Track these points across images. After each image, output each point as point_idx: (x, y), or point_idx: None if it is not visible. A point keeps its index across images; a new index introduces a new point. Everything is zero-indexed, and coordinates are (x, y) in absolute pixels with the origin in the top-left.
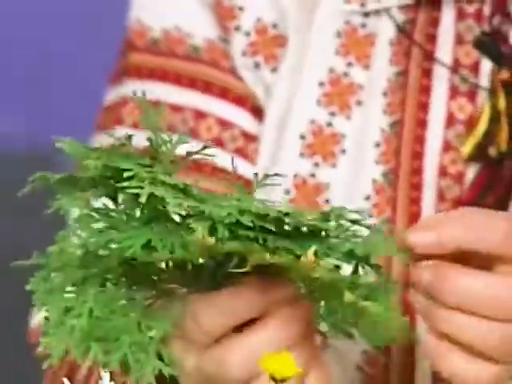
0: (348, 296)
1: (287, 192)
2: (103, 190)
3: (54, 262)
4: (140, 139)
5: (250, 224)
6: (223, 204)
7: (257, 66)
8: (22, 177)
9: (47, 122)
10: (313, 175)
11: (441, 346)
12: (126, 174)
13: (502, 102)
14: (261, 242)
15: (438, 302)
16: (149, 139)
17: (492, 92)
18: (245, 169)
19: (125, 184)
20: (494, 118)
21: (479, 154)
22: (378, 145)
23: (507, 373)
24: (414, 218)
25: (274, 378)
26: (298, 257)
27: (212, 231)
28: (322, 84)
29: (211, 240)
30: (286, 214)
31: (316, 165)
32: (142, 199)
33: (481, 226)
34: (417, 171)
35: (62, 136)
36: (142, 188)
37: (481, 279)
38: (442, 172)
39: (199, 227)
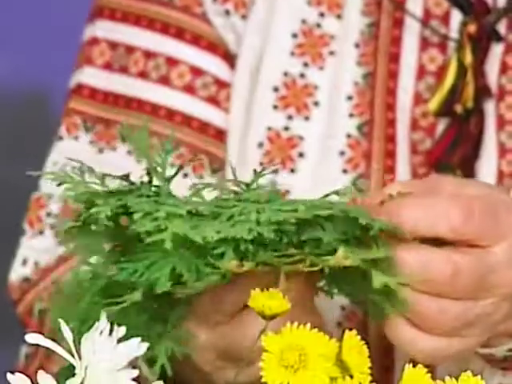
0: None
1: (260, 145)
2: (116, 238)
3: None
4: (112, 82)
5: (272, 235)
6: (240, 219)
7: (227, 13)
8: (18, 121)
9: (43, 66)
10: (286, 128)
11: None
12: (136, 216)
13: (468, 57)
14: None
15: None
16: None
17: (459, 45)
18: (217, 117)
19: (140, 228)
20: (461, 73)
21: (446, 110)
22: (350, 98)
23: (452, 348)
24: (388, 171)
25: (263, 316)
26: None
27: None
28: (294, 35)
29: (243, 264)
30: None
31: (289, 117)
32: (168, 244)
33: (435, 212)
34: (391, 123)
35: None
36: (161, 230)
37: (420, 255)
38: (414, 125)
39: (229, 255)
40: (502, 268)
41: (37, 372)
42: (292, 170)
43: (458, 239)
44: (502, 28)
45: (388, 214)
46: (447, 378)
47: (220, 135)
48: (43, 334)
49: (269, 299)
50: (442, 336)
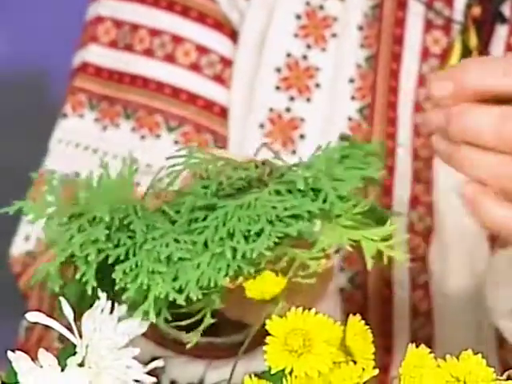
0: None
1: (262, 126)
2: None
3: None
4: (117, 60)
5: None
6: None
7: None
8: (7, 103)
9: (42, 44)
10: (288, 109)
11: (475, 194)
12: (116, 275)
13: (473, 40)
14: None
15: (452, 142)
16: None
17: (463, 28)
18: (222, 95)
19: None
20: (466, 56)
21: None
22: (352, 80)
23: None
24: (389, 152)
25: (265, 301)
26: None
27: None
28: (298, 17)
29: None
30: None
31: (291, 99)
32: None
33: (502, 65)
34: (393, 106)
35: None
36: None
37: (487, 113)
38: (417, 108)
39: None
40: None
41: (37, 343)
42: (293, 152)
43: None
44: (506, 10)
45: (451, 77)
46: (448, 357)
47: (225, 114)
48: (43, 309)
49: (263, 283)
50: None
